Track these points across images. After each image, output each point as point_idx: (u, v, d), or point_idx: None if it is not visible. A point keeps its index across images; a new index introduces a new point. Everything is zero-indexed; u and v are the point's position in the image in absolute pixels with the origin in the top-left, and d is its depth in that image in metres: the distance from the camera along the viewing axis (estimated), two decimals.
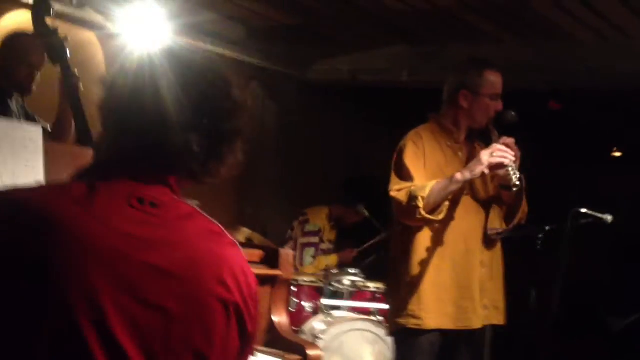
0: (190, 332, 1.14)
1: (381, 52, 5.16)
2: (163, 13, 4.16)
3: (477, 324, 2.90)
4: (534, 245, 4.04)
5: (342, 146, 6.17)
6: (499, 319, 3.00)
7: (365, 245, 5.06)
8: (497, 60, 4.38)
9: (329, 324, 4.06)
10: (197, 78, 1.20)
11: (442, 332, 2.88)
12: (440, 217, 2.80)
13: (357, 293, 4.57)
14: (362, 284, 4.56)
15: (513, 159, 2.77)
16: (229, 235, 1.24)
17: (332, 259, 4.96)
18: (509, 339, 4.42)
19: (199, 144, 1.18)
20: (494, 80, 2.93)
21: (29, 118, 3.28)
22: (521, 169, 2.85)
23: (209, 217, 1.24)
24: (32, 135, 2.09)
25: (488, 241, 2.96)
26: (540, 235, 4.04)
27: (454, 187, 2.77)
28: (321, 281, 4.57)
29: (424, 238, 2.89)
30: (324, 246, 5.11)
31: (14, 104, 3.25)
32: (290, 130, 5.73)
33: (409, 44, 5.03)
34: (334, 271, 4.67)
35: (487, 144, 2.95)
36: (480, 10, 4.17)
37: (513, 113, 2.91)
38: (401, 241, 2.95)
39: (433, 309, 2.84)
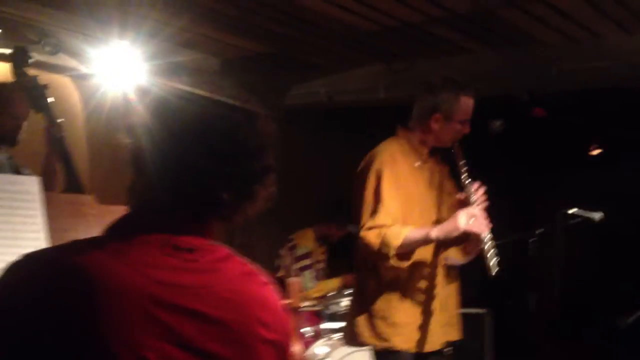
0: None
1: (357, 72, 5.20)
2: (136, 53, 4.17)
3: (437, 345, 2.98)
4: (526, 250, 4.09)
5: (324, 168, 6.19)
6: (454, 335, 3.08)
7: None
8: (469, 70, 4.45)
9: (331, 347, 4.05)
10: (212, 125, 1.16)
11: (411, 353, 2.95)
12: (410, 262, 2.86)
13: None
14: None
15: (488, 229, 2.75)
16: (262, 275, 1.25)
17: (334, 283, 4.95)
18: (512, 342, 4.45)
19: (228, 191, 1.15)
20: (468, 105, 2.90)
21: (17, 171, 3.24)
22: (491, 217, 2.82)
23: (241, 257, 1.24)
24: (29, 187, 2.08)
25: (446, 273, 3.02)
26: (531, 240, 4.09)
27: (426, 243, 2.82)
28: (318, 306, 4.57)
29: (391, 272, 2.92)
30: (318, 266, 5.10)
31: (1, 157, 3.21)
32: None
33: (383, 62, 5.08)
34: (330, 294, 4.67)
35: (450, 160, 2.99)
36: (447, 23, 4.22)
37: (499, 122, 2.95)
38: (365, 268, 2.98)
39: (400, 332, 2.92)
